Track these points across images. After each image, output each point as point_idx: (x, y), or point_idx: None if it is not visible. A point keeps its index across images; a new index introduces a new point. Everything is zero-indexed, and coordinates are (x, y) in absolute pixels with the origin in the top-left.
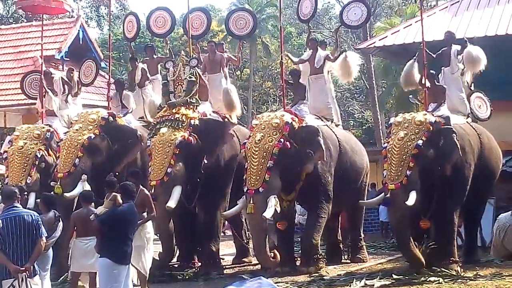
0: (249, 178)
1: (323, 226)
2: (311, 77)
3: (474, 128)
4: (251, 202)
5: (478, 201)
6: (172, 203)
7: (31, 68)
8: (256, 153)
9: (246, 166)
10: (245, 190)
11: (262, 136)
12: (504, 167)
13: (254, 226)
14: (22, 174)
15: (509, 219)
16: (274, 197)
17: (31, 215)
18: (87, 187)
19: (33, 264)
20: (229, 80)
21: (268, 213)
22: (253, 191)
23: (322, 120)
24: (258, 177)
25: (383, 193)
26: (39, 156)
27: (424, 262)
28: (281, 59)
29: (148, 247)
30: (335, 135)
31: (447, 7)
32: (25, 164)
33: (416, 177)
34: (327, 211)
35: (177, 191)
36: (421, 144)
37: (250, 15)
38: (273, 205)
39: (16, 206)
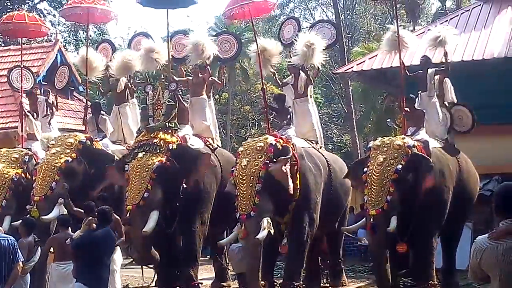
0: (239, 203)
1: (306, 252)
2: (295, 100)
3: (452, 152)
4: (243, 227)
5: (456, 224)
6: (148, 228)
7: (9, 93)
8: (244, 178)
9: (236, 193)
10: (237, 217)
11: (248, 161)
12: (482, 191)
13: (249, 250)
14: None
15: (486, 242)
16: (267, 219)
17: (7, 239)
18: (64, 211)
19: None
20: (212, 101)
21: (261, 235)
22: (244, 216)
23: (308, 142)
24: (248, 202)
25: (364, 218)
26: (15, 179)
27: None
28: (262, 84)
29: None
30: (323, 156)
31: (424, 32)
32: (1, 188)
33: (397, 202)
34: (310, 235)
35: (154, 216)
36: (400, 169)
37: (235, 38)
38: (266, 227)
39: None
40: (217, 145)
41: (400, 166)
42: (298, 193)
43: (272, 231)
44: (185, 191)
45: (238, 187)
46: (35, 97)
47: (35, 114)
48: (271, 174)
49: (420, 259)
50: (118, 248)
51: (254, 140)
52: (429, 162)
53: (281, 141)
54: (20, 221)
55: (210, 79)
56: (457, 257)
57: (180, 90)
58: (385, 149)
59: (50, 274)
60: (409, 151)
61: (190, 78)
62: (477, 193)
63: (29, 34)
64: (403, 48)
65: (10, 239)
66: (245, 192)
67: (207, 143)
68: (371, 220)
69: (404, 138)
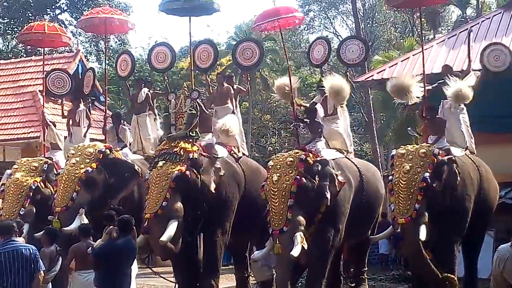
0: (272, 219)
1: (329, 263)
2: (326, 118)
3: (473, 160)
4: (277, 242)
5: (477, 233)
6: (165, 237)
7: (30, 103)
8: (276, 193)
9: (267, 208)
10: (270, 232)
11: (279, 176)
12: (503, 199)
13: (282, 265)
14: (16, 206)
15: (508, 251)
16: (300, 235)
17: (29, 248)
18: (85, 221)
19: None
20: (238, 110)
21: (296, 251)
22: (278, 231)
23: (339, 152)
24: (281, 217)
25: (390, 227)
26: (34, 187)
27: None
28: (292, 98)
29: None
30: (355, 165)
31: (444, 40)
32: (19, 196)
33: (424, 210)
34: (334, 247)
35: (172, 225)
36: (427, 177)
37: (257, 45)
38: (299, 243)
39: (13, 240)
40: (243, 153)
41: (427, 174)
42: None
43: (305, 246)
44: (208, 200)
45: (270, 202)
46: (77, 105)
47: (56, 124)
48: (302, 189)
49: (442, 267)
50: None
51: (284, 155)
52: (453, 169)
53: (311, 155)
54: (43, 230)
55: (235, 87)
56: (479, 266)
57: (202, 99)
58: (410, 157)
59: (72, 283)
60: (435, 159)
61: (215, 87)
62: (497, 201)
63: (49, 44)
64: (405, 96)
65: (32, 249)
66: (277, 207)
67: (232, 152)
68: (400, 229)
69: (429, 146)
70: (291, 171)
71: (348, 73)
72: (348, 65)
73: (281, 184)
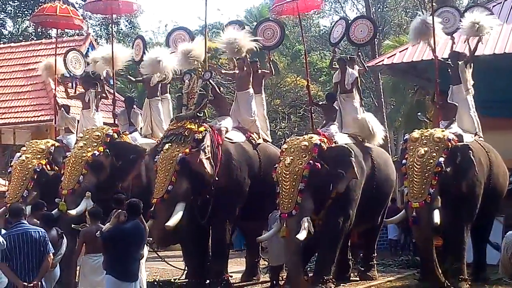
0: (281, 202)
1: (339, 248)
2: (341, 95)
3: (482, 146)
4: (285, 225)
5: (486, 219)
6: (172, 222)
7: (41, 86)
8: (287, 176)
9: (277, 190)
10: (278, 214)
11: (292, 159)
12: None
13: (289, 248)
14: (20, 188)
15: None
16: (307, 219)
17: (38, 231)
18: (91, 204)
19: (40, 280)
20: (263, 95)
21: (302, 236)
22: (286, 215)
23: (353, 137)
24: (290, 200)
25: (403, 211)
26: (38, 170)
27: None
28: (308, 82)
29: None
30: (368, 151)
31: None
32: (24, 178)
33: (438, 195)
34: (344, 232)
35: (178, 209)
36: (442, 162)
37: (278, 25)
38: (306, 227)
39: (23, 223)
40: (264, 140)
41: (442, 159)
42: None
43: (312, 231)
44: (216, 183)
45: (280, 185)
46: (87, 88)
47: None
48: (315, 174)
49: (452, 253)
50: None
51: (298, 139)
52: (469, 155)
53: (326, 140)
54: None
55: (259, 72)
56: (488, 252)
57: (218, 82)
58: (425, 141)
59: (82, 266)
60: (449, 144)
61: (236, 71)
62: (507, 187)
63: (62, 26)
64: (431, 36)
65: (41, 231)
66: (287, 191)
67: (250, 138)
68: (414, 213)
69: (443, 131)
70: (304, 155)
71: (359, 52)
72: (357, 45)
73: (293, 168)
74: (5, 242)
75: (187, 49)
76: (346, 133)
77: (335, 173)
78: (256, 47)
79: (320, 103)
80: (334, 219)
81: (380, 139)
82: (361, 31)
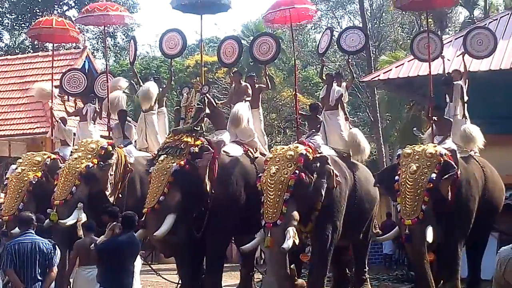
0: (266, 211)
1: (329, 260)
2: (326, 112)
3: (477, 161)
4: (269, 235)
5: (481, 234)
6: (160, 232)
7: (37, 99)
8: (272, 186)
9: (262, 200)
10: (263, 224)
11: (277, 168)
12: (508, 201)
13: (273, 259)
14: (16, 200)
15: (510, 252)
16: (293, 229)
17: (45, 243)
18: (83, 215)
19: None
20: (261, 110)
21: (287, 245)
22: (271, 224)
23: (335, 151)
24: (275, 210)
25: (396, 227)
26: (34, 182)
27: None
28: (295, 91)
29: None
30: (349, 165)
31: (451, 41)
32: (20, 190)
33: (431, 212)
34: (333, 243)
35: (168, 220)
36: (434, 178)
37: (273, 40)
38: (291, 237)
39: (31, 233)
40: (262, 154)
41: (434, 175)
42: (322, 202)
43: (297, 241)
44: (212, 195)
45: (265, 194)
46: (86, 101)
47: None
48: (300, 184)
49: (446, 268)
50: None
51: (284, 148)
52: (454, 171)
53: (311, 150)
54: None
55: (257, 87)
56: (483, 267)
57: (213, 94)
58: (417, 157)
59: (75, 279)
60: (442, 159)
61: (232, 86)
62: (503, 202)
63: (58, 40)
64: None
65: (48, 244)
66: (272, 200)
67: (248, 152)
68: (406, 230)
69: (435, 146)
70: (290, 165)
71: (349, 60)
72: (348, 52)
73: (278, 177)
74: None
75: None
76: (331, 147)
77: (319, 183)
78: (252, 61)
79: (305, 114)
80: (322, 231)
81: (367, 154)
82: (353, 39)
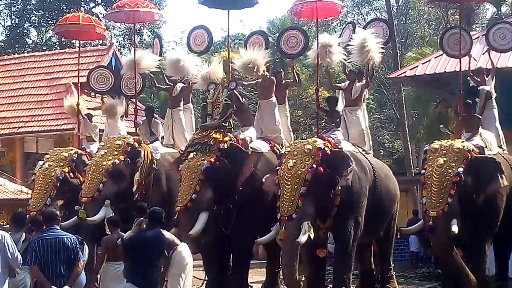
0: (282, 204)
1: (353, 256)
2: (346, 108)
3: (506, 159)
4: (284, 228)
5: (509, 232)
6: (195, 231)
7: (64, 95)
8: (289, 179)
9: (278, 193)
10: (278, 217)
11: (295, 162)
12: None
13: (286, 252)
14: (43, 196)
15: None
16: (308, 223)
17: (70, 238)
18: (110, 212)
19: (71, 286)
20: (287, 106)
21: (302, 239)
22: (286, 218)
23: (356, 147)
24: (291, 204)
25: (421, 220)
26: (61, 178)
27: None
28: (317, 85)
29: (184, 275)
30: (369, 162)
31: (478, 37)
32: (47, 186)
33: (457, 205)
34: (356, 239)
35: (202, 218)
36: (461, 172)
37: (301, 34)
38: (306, 231)
39: (56, 228)
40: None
41: (461, 169)
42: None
43: (312, 236)
44: (240, 192)
45: (282, 188)
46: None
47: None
48: (317, 178)
49: (473, 265)
50: (187, 250)
51: (302, 142)
52: (492, 168)
53: (330, 145)
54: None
55: (283, 82)
56: (510, 265)
57: (241, 92)
58: (444, 152)
59: (103, 274)
60: (469, 155)
61: (259, 80)
62: None
63: (84, 36)
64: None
65: (73, 238)
66: (288, 194)
67: (275, 148)
68: (431, 221)
69: (463, 142)
70: (307, 158)
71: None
72: None
73: (295, 171)
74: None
75: (206, 72)
76: (351, 143)
77: (336, 178)
78: (278, 56)
79: (324, 108)
80: (344, 227)
81: (377, 55)
82: (377, 33)
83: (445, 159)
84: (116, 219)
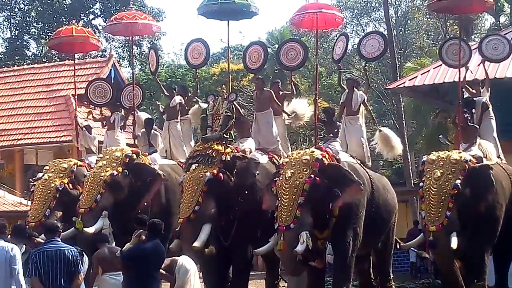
0: (279, 214)
1: (352, 266)
2: (347, 118)
3: (504, 169)
4: (282, 238)
5: (508, 243)
6: (198, 242)
7: (63, 107)
8: (287, 189)
9: (276, 203)
10: (276, 227)
11: (293, 172)
12: None
13: (286, 262)
14: (42, 207)
15: None
16: (306, 233)
17: (71, 250)
18: (107, 223)
19: None
20: (285, 116)
21: (300, 249)
22: (284, 228)
23: (354, 158)
24: (289, 213)
25: (421, 234)
26: (60, 189)
27: None
28: (315, 96)
29: (190, 285)
30: (367, 173)
31: (476, 48)
32: (46, 197)
33: (456, 218)
34: (355, 250)
35: (205, 230)
36: (459, 184)
37: (301, 46)
38: (304, 241)
39: (57, 240)
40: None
41: (458, 181)
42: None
43: (310, 245)
44: (240, 203)
45: (280, 198)
46: (113, 110)
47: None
48: (315, 188)
49: (472, 276)
50: (187, 259)
51: (299, 153)
52: (488, 177)
53: (327, 155)
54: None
55: (281, 94)
56: (510, 276)
57: (240, 103)
58: (441, 163)
59: (100, 286)
60: (466, 165)
61: (256, 92)
62: None
63: (79, 49)
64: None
65: (74, 251)
66: (286, 204)
67: (273, 159)
68: (431, 236)
69: (460, 152)
70: (305, 169)
71: (366, 67)
72: (367, 59)
73: (293, 181)
74: None
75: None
76: (349, 154)
77: (335, 189)
78: (277, 67)
79: (321, 119)
80: (343, 238)
81: (399, 150)
82: (372, 45)
83: (442, 171)
84: (102, 235)
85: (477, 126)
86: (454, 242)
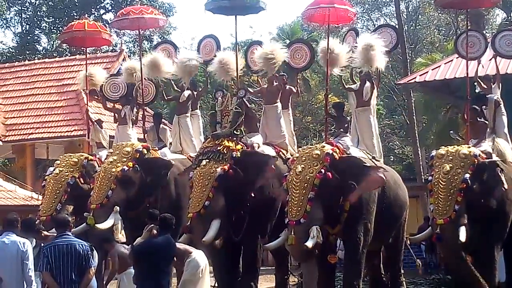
0: (290, 209)
1: (363, 262)
2: (357, 109)
3: None
4: (292, 233)
5: None
6: (208, 237)
7: (74, 102)
8: (297, 184)
9: (287, 198)
10: (286, 222)
11: (303, 167)
12: None
13: (297, 257)
14: (53, 201)
15: None
16: (316, 228)
17: (82, 244)
18: (119, 219)
19: None
20: (290, 111)
21: (310, 244)
22: (294, 222)
23: (364, 153)
24: (299, 208)
25: (429, 228)
26: (71, 183)
27: None
28: (326, 91)
29: (196, 280)
30: None
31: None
32: (57, 191)
33: (464, 212)
34: (365, 245)
35: (214, 225)
36: (467, 178)
37: (308, 47)
38: (315, 236)
39: (68, 234)
40: (292, 155)
41: (467, 175)
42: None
43: (320, 240)
44: (251, 199)
45: (290, 193)
46: (125, 104)
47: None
48: (326, 183)
49: (483, 271)
50: (201, 254)
51: (310, 147)
52: (497, 173)
53: (338, 150)
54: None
55: (287, 88)
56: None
57: (249, 99)
58: (451, 158)
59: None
60: (475, 160)
61: (265, 86)
62: None
63: (90, 43)
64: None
65: (85, 245)
66: (297, 198)
67: (280, 153)
68: (438, 229)
69: (469, 147)
70: (316, 164)
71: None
72: None
73: (304, 176)
74: None
75: (225, 60)
76: (359, 148)
77: (347, 184)
78: (285, 66)
79: (331, 114)
80: (354, 233)
81: (381, 65)
82: (384, 39)
83: (451, 165)
84: (109, 237)
85: (486, 122)
86: (462, 235)
